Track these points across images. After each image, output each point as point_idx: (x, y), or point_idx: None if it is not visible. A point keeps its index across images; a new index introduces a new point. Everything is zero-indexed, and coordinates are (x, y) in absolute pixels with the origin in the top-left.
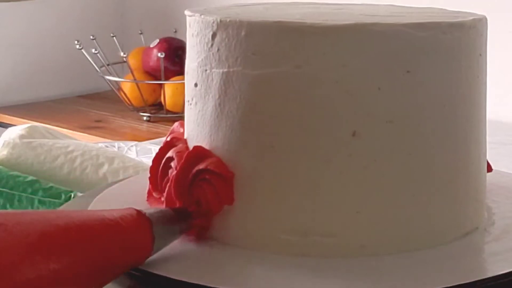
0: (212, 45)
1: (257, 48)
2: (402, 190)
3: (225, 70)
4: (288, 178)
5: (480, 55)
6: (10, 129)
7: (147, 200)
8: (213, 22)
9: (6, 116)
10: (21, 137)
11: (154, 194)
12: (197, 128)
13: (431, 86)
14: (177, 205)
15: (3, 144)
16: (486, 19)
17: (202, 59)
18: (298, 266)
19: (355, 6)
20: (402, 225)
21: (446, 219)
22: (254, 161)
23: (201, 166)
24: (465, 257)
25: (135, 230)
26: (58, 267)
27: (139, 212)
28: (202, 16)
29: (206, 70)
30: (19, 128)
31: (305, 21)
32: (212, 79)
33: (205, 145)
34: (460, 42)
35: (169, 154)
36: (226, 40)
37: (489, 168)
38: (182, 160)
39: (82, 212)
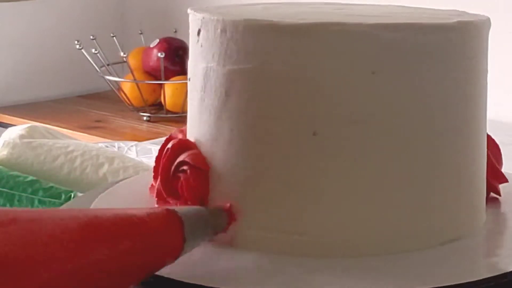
0: (198, 41)
1: (228, 45)
2: (382, 191)
3: (205, 65)
4: (262, 175)
5: (470, 58)
6: (10, 129)
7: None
8: (199, 19)
9: (6, 116)
10: (21, 137)
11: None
12: (189, 121)
13: (398, 88)
14: (165, 196)
15: (3, 144)
16: (481, 21)
17: (192, 55)
18: (297, 266)
19: (356, 6)
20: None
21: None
22: (226, 156)
23: (181, 158)
24: (463, 258)
25: (165, 230)
26: (79, 266)
27: (169, 211)
28: (194, 14)
29: (194, 65)
30: (19, 128)
31: (272, 20)
32: (197, 74)
33: (192, 138)
34: (437, 44)
35: (168, 145)
36: (206, 36)
37: (504, 179)
38: (168, 152)
39: (109, 209)
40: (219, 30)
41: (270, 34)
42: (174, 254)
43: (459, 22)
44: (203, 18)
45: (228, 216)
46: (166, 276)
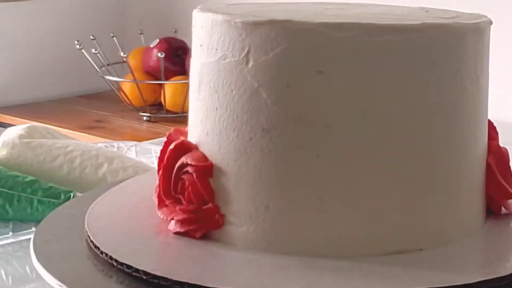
0: (193, 37)
1: (202, 39)
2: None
3: (192, 59)
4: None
5: (434, 63)
6: (9, 129)
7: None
8: (195, 16)
9: (6, 116)
10: (21, 137)
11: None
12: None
13: (346, 89)
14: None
15: (3, 144)
16: (457, 25)
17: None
18: (297, 265)
19: (356, 6)
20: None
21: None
22: (209, 153)
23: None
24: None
25: None
26: None
27: None
28: (195, 11)
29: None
30: (18, 128)
31: (232, 16)
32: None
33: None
34: (393, 46)
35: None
36: (194, 32)
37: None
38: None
39: None
40: (198, 26)
41: (227, 30)
42: None
43: (423, 24)
44: (195, 13)
45: None
46: (165, 276)
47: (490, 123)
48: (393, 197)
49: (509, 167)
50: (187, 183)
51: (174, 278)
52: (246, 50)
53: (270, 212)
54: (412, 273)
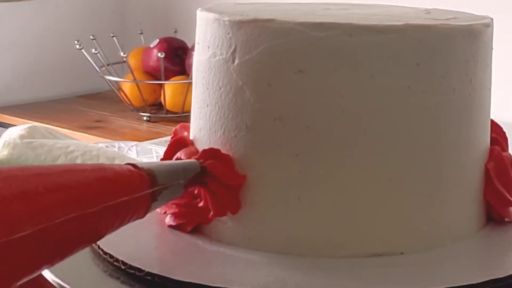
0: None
1: (199, 38)
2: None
3: (193, 57)
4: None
5: (417, 64)
6: (10, 129)
7: None
8: (197, 15)
9: (6, 116)
10: (22, 137)
11: None
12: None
13: (326, 89)
14: None
15: (4, 144)
16: (442, 26)
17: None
18: (297, 265)
19: (358, 6)
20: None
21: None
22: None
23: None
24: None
25: (130, 188)
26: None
27: (135, 167)
28: (198, 10)
29: None
30: (19, 128)
31: (222, 15)
32: None
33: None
34: (373, 46)
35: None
36: (196, 30)
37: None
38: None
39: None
40: (198, 24)
41: (216, 29)
42: (141, 205)
43: (405, 25)
44: (198, 12)
45: (203, 164)
46: (165, 275)
47: (499, 128)
48: (371, 199)
49: (510, 174)
50: None
51: (146, 269)
52: (232, 48)
53: (251, 209)
54: (385, 276)
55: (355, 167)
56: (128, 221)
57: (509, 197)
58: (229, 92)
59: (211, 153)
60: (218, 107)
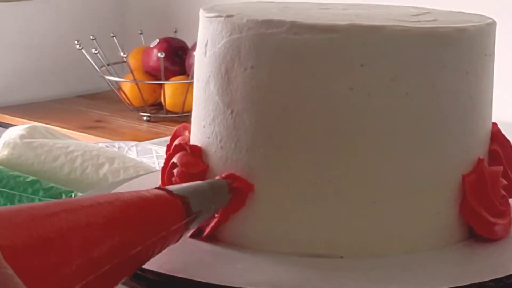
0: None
1: (198, 35)
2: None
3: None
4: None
5: (362, 65)
6: (10, 129)
7: None
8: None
9: (6, 116)
10: (22, 137)
11: None
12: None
13: (270, 85)
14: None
15: (4, 144)
16: (394, 28)
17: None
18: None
19: (355, 7)
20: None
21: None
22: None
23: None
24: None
25: (165, 212)
26: (110, 249)
27: (169, 192)
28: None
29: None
30: (19, 128)
31: (205, 11)
32: None
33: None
34: (316, 45)
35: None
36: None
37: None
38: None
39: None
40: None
41: (207, 26)
42: (177, 235)
43: (350, 25)
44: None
45: (232, 187)
46: (167, 273)
47: (505, 141)
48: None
49: (494, 189)
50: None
51: (146, 268)
52: (205, 42)
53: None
54: (411, 274)
55: (299, 165)
56: (161, 251)
57: (488, 217)
58: (201, 84)
59: (233, 176)
60: (197, 99)
